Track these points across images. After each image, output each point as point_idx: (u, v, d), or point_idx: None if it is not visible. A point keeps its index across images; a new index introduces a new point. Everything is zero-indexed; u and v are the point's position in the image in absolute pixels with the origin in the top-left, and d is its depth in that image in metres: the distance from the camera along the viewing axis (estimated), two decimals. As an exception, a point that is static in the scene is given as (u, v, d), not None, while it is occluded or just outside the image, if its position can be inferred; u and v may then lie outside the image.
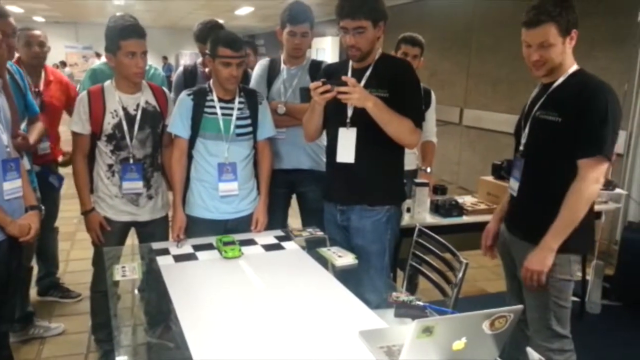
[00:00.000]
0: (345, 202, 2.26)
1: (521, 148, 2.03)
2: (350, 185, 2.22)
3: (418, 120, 2.12)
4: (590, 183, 1.82)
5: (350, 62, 2.23)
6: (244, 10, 11.33)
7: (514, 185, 2.07)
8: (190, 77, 2.93)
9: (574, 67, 1.91)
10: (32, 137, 2.60)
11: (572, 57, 1.91)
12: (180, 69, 3.08)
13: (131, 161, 2.32)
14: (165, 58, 17.07)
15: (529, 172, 2.00)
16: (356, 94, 1.97)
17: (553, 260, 1.88)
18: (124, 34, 2.20)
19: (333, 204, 2.32)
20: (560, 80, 1.91)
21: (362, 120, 2.09)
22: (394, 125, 2.06)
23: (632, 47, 4.22)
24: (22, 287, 2.80)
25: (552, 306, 1.96)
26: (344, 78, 2.00)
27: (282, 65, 2.72)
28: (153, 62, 2.36)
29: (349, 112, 2.15)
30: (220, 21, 3.02)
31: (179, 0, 10.14)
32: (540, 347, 1.97)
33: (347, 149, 2.17)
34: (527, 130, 2.00)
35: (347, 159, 2.17)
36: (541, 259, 1.87)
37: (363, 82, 2.13)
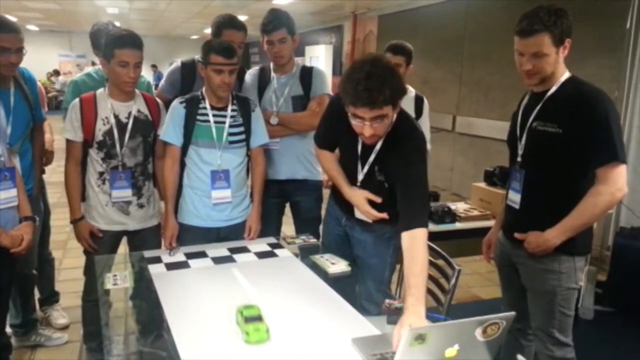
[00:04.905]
0: (349, 217, 2.21)
1: (519, 159, 2.00)
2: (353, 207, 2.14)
3: None
4: (614, 189, 1.77)
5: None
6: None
7: (514, 197, 2.02)
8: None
9: (566, 75, 1.88)
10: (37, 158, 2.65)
11: (563, 65, 1.87)
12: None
13: (120, 169, 2.31)
14: (154, 66, 17.03)
15: (530, 185, 1.96)
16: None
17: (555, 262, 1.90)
18: (120, 43, 2.19)
19: (338, 206, 2.25)
20: (554, 89, 1.87)
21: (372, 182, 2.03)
22: None
23: (621, 54, 4.26)
24: (23, 294, 2.77)
25: (558, 315, 1.94)
26: None
27: (272, 74, 2.71)
28: (142, 71, 2.35)
29: (360, 177, 2.05)
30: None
31: (174, 10, 10.13)
32: (543, 355, 1.97)
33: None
34: (524, 141, 1.97)
35: (363, 217, 2.11)
36: (540, 248, 1.89)
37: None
